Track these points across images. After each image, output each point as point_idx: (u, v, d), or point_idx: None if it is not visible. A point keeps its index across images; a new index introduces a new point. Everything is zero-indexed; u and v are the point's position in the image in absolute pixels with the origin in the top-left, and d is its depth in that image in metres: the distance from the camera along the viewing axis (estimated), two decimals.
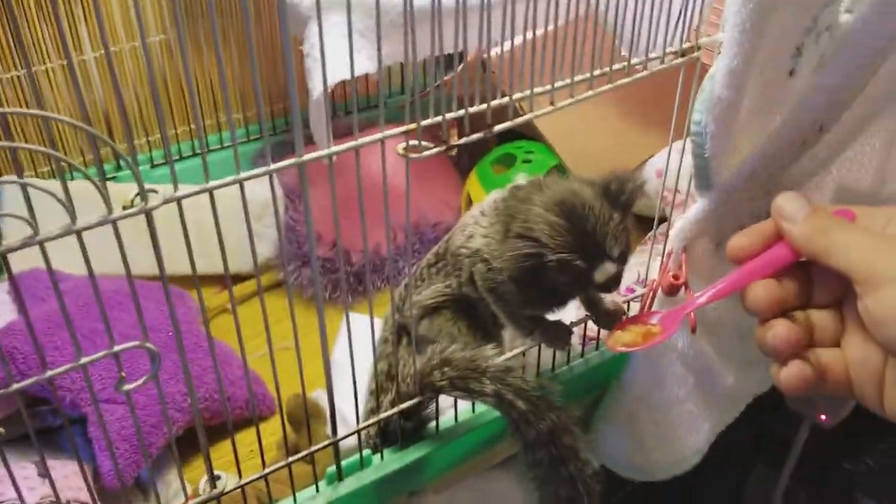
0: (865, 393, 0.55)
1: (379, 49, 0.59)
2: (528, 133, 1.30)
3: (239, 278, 1.29)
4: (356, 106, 0.58)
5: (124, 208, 0.52)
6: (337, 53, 0.87)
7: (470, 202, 1.28)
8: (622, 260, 0.75)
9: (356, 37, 0.59)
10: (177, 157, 1.32)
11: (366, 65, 0.92)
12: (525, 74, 0.66)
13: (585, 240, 0.73)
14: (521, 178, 1.21)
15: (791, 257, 0.58)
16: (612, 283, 0.75)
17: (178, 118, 1.35)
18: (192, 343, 1.04)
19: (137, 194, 0.52)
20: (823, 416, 1.25)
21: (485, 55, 0.65)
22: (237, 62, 1.35)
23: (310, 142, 1.35)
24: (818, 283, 0.58)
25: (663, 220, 0.99)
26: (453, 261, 0.89)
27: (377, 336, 0.94)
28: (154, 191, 0.53)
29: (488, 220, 0.83)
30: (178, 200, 0.54)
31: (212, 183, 0.55)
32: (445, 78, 0.69)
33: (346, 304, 0.71)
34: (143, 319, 0.58)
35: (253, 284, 1.28)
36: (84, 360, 0.57)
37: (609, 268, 0.74)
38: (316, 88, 0.92)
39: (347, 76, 0.80)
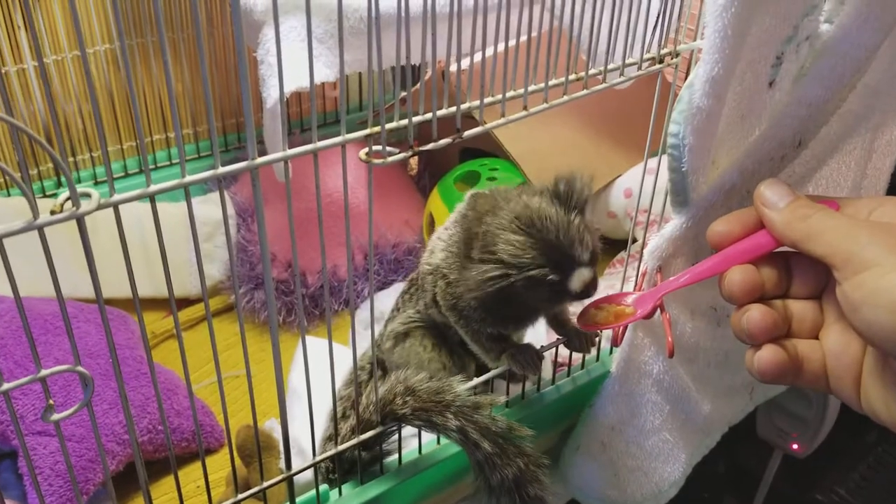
0: (842, 386, 0.54)
1: (341, 56, 0.54)
2: (492, 151, 1.26)
3: (188, 302, 1.23)
4: (315, 114, 0.53)
5: (52, 213, 0.46)
6: (293, 61, 0.82)
7: (432, 222, 1.23)
8: (593, 262, 0.72)
9: (314, 43, 0.55)
10: (121, 175, 1.26)
11: (324, 73, 0.87)
12: (496, 84, 0.62)
13: (552, 251, 0.69)
14: None
15: (771, 245, 0.57)
16: (591, 288, 0.71)
17: (125, 133, 1.27)
18: (134, 370, 0.96)
19: (68, 198, 0.46)
20: (796, 446, 1.23)
21: (451, 68, 0.61)
22: (188, 76, 1.29)
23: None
24: (798, 274, 0.58)
25: (634, 241, 0.96)
26: (420, 283, 0.85)
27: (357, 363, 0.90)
28: (87, 195, 0.47)
29: (448, 234, 0.80)
30: (115, 206, 0.48)
31: (153, 187, 0.49)
32: (414, 88, 0.65)
33: (303, 327, 0.66)
34: (74, 341, 0.52)
35: (202, 308, 1.21)
36: (6, 385, 0.50)
37: (584, 273, 0.71)
38: (271, 96, 0.87)
39: (305, 84, 0.76)
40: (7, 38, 1.11)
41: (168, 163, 1.30)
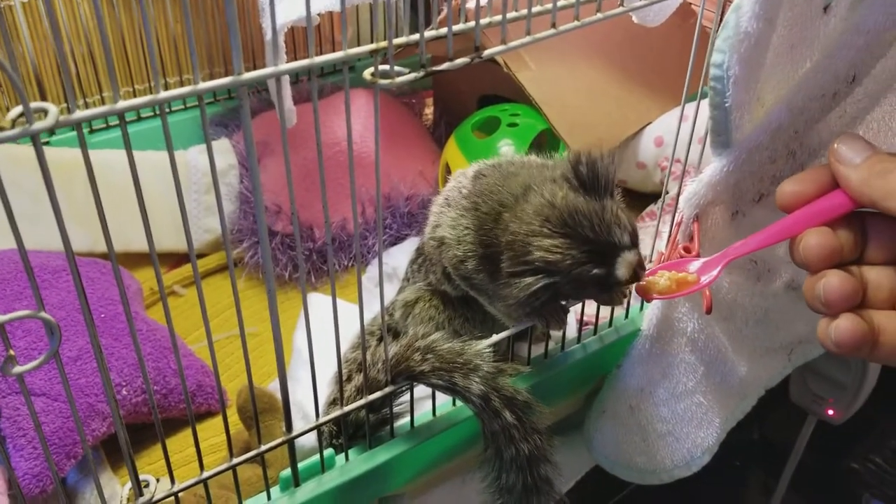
0: None
1: None
2: (512, 97, 1.18)
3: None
4: (311, 23, 0.46)
5: (2, 129, 0.39)
6: None
7: (448, 172, 1.16)
8: (636, 242, 0.67)
9: None
10: (102, 126, 1.17)
11: (327, 2, 0.80)
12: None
13: (591, 245, 0.64)
14: (505, 147, 1.10)
15: (847, 205, 0.53)
16: (640, 270, 0.66)
17: (105, 83, 1.19)
18: (127, 328, 0.90)
19: (21, 114, 0.40)
20: (832, 412, 1.16)
21: (469, 4, 0.54)
22: (195, 17, 1.21)
23: (270, 106, 1.23)
24: (874, 237, 0.54)
25: (666, 193, 0.89)
26: (427, 257, 0.82)
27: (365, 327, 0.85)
28: (44, 110, 0.40)
29: (455, 213, 0.75)
30: (78, 124, 0.41)
31: (122, 103, 0.42)
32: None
33: (303, 285, 0.59)
34: (36, 287, 0.46)
35: (206, 263, 1.16)
36: None
37: (629, 257, 0.65)
38: (270, 28, 0.79)
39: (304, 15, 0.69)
40: None
41: (152, 114, 1.21)
